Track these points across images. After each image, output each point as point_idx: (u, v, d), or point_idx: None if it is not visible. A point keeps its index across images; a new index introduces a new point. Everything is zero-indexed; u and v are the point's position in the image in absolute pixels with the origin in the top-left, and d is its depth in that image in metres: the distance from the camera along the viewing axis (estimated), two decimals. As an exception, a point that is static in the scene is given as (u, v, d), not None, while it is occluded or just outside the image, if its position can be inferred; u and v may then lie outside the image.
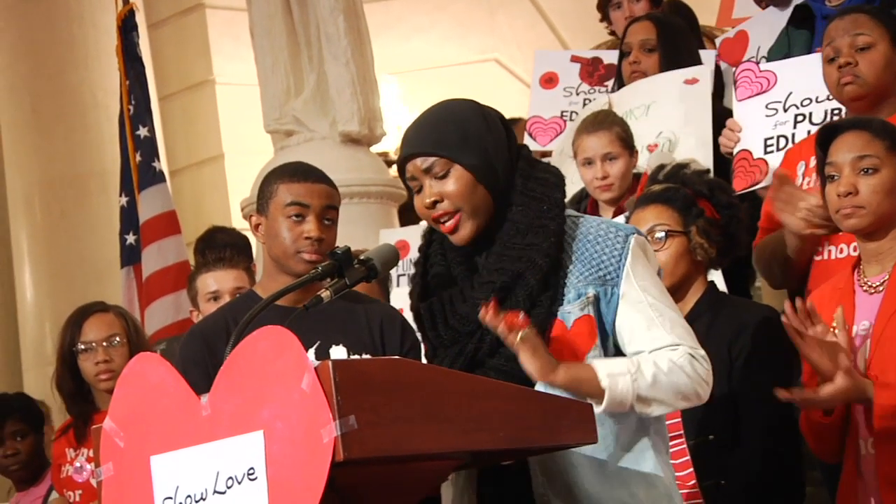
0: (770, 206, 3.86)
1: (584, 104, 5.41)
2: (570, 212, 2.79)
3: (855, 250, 3.50)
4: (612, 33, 5.89)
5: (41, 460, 5.29)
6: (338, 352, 2.55)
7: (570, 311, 2.69)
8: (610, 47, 5.81)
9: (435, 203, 2.73)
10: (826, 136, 3.27)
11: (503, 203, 2.74)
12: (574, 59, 5.70)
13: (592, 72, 5.51)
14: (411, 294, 2.87)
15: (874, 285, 3.18)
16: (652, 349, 2.68)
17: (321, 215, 3.14)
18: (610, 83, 5.44)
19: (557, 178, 2.81)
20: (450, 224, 2.73)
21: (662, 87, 4.90)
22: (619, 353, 2.72)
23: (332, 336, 2.96)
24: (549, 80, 5.60)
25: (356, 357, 2.29)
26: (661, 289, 2.76)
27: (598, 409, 2.58)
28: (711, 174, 3.96)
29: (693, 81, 4.84)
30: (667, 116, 4.81)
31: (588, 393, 2.60)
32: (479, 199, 2.72)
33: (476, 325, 2.68)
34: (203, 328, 3.22)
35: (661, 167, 3.84)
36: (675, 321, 2.72)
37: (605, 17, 5.78)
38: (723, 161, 4.54)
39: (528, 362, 2.57)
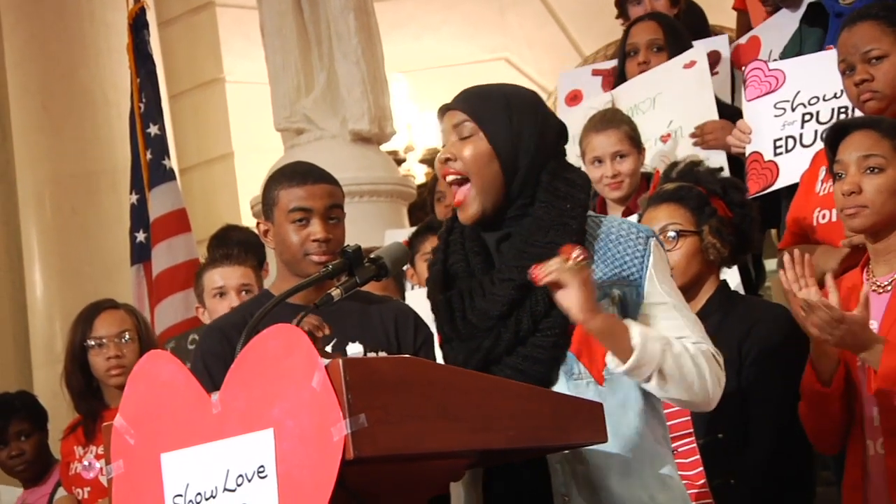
0: (798, 211, 3.83)
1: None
2: (590, 213, 2.78)
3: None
4: None
5: (46, 458, 5.28)
6: (354, 348, 2.55)
7: None
8: None
9: (448, 160, 2.73)
10: (835, 134, 3.26)
11: (523, 196, 2.72)
12: (595, 72, 5.70)
13: (614, 81, 5.50)
14: (429, 282, 2.85)
15: (882, 285, 3.18)
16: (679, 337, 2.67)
17: (325, 216, 3.14)
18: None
19: (584, 181, 2.80)
20: (459, 196, 2.73)
21: (664, 77, 4.91)
22: None
23: (348, 334, 2.96)
24: (573, 98, 5.58)
25: (372, 355, 2.29)
26: (678, 291, 2.77)
27: (619, 368, 2.57)
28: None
29: (691, 64, 4.85)
30: (673, 104, 4.82)
31: (616, 348, 2.58)
32: (491, 174, 2.71)
33: (494, 321, 2.68)
34: (222, 324, 3.23)
35: (675, 164, 3.82)
36: (697, 323, 2.73)
37: (623, 13, 5.72)
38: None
39: (573, 294, 2.53)
